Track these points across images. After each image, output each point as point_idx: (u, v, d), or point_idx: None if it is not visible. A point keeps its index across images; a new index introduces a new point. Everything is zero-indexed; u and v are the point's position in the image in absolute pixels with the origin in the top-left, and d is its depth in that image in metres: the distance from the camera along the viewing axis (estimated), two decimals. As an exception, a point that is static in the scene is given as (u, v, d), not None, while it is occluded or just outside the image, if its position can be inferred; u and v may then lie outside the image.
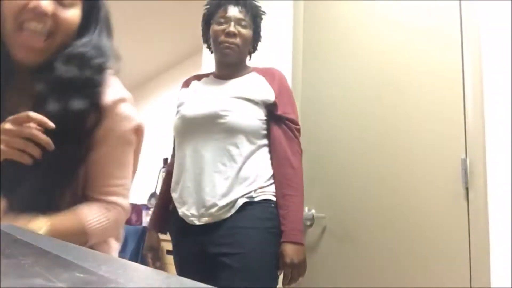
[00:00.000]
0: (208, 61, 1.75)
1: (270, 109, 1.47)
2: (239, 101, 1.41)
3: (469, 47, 1.49)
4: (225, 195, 1.34)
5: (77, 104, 0.77)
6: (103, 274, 0.30)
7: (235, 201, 1.34)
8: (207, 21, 1.55)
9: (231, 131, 1.38)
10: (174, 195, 1.46)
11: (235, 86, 1.48)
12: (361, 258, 1.72)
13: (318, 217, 1.91)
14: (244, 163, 1.38)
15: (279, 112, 1.46)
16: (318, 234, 1.91)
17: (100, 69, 0.83)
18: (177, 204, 1.45)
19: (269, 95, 1.46)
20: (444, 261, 1.47)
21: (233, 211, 1.34)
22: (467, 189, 1.44)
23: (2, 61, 0.77)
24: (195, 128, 1.42)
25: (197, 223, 1.37)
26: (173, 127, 1.52)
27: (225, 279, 1.31)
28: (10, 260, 0.36)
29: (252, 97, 1.43)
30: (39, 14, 0.74)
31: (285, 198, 1.39)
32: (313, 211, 1.93)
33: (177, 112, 1.52)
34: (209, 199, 1.34)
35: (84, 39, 0.83)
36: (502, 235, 1.33)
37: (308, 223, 1.94)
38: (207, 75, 1.63)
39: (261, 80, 1.50)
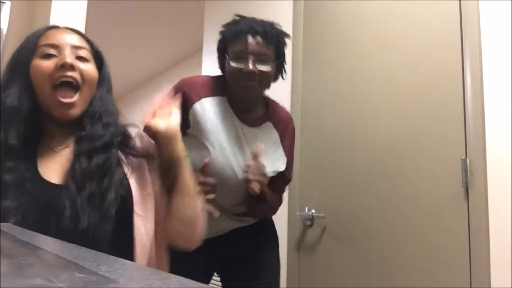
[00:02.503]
0: (207, 61, 1.74)
1: None
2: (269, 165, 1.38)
3: (469, 47, 1.49)
4: None
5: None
6: (103, 274, 0.30)
7: None
8: (223, 51, 1.39)
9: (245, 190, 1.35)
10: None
11: (257, 148, 1.35)
12: (361, 258, 1.72)
13: (318, 217, 1.91)
14: None
15: (288, 175, 1.49)
16: (318, 234, 1.91)
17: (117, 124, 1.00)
18: None
19: (282, 165, 1.45)
20: (444, 261, 1.47)
21: None
22: (467, 189, 1.44)
23: (44, 124, 0.93)
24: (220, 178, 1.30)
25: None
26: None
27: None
28: (10, 260, 0.36)
29: (271, 171, 1.39)
30: (67, 68, 0.89)
31: None
32: (313, 211, 1.93)
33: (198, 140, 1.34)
34: None
35: (102, 95, 0.99)
36: (502, 235, 1.33)
37: (308, 223, 1.94)
38: (219, 94, 1.40)
39: (276, 139, 1.45)
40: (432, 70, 1.59)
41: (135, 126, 1.04)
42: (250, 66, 1.29)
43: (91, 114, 0.95)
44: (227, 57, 1.35)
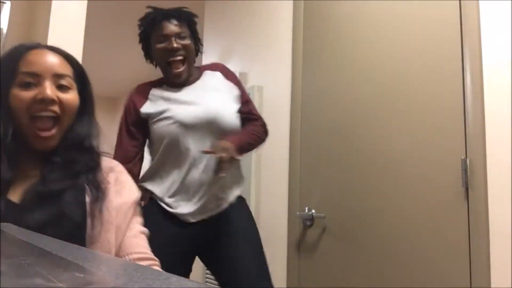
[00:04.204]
0: (207, 61, 1.75)
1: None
2: (224, 99, 1.56)
3: (469, 47, 1.49)
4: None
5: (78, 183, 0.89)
6: (103, 274, 0.30)
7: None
8: (146, 39, 1.61)
9: (224, 131, 1.53)
10: (168, 195, 1.52)
11: (208, 88, 1.59)
12: (361, 258, 1.72)
13: (318, 217, 1.91)
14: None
15: (245, 110, 1.62)
16: (318, 234, 1.91)
17: (92, 149, 0.96)
18: (172, 205, 1.52)
19: (235, 90, 1.62)
20: (444, 261, 1.47)
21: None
22: (467, 189, 1.44)
23: (20, 150, 0.89)
24: (193, 133, 1.51)
25: (193, 220, 1.51)
26: (165, 132, 1.52)
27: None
28: (10, 260, 0.36)
29: (231, 94, 1.58)
30: (47, 102, 0.85)
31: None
32: (313, 211, 1.93)
33: (161, 119, 1.52)
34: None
35: (82, 121, 0.95)
36: (502, 235, 1.33)
37: (308, 223, 1.94)
38: (159, 84, 1.63)
39: (219, 76, 1.64)
40: (432, 70, 1.59)
41: (110, 156, 1.01)
42: (173, 43, 1.52)
43: (68, 141, 0.91)
44: (152, 43, 1.58)
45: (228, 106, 1.56)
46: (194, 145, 1.51)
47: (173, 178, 1.52)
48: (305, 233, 1.98)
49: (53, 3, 2.19)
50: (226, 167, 1.40)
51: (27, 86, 0.86)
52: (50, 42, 2.17)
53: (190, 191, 1.50)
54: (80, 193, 0.88)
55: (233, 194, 1.58)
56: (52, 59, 0.90)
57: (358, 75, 1.85)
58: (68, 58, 0.94)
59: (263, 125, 1.66)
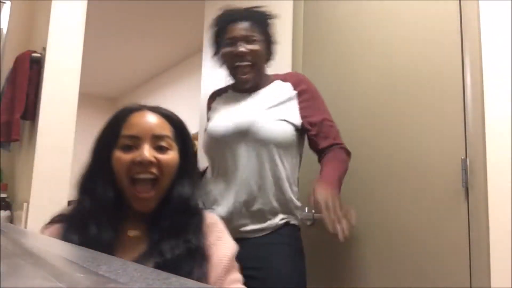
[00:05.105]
0: (207, 61, 1.75)
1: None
2: (270, 110, 1.44)
3: (469, 47, 1.49)
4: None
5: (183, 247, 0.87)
6: (103, 274, 0.30)
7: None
8: (215, 42, 1.53)
9: (264, 143, 1.41)
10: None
11: (267, 98, 1.48)
12: (361, 258, 1.72)
13: (318, 217, 1.90)
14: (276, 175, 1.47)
15: (313, 131, 1.51)
16: (318, 234, 1.91)
17: (197, 210, 0.95)
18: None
19: (295, 103, 1.49)
20: (444, 261, 1.47)
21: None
22: (467, 189, 1.44)
23: (123, 211, 0.91)
24: (227, 145, 1.41)
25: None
26: (209, 143, 1.46)
27: None
28: (10, 260, 0.36)
29: (288, 106, 1.47)
30: (145, 164, 0.87)
31: None
32: (313, 211, 1.93)
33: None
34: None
35: (183, 181, 0.94)
36: (502, 235, 1.33)
37: (308, 223, 1.94)
38: (225, 90, 1.59)
39: (288, 89, 1.51)
40: (432, 70, 1.59)
41: (211, 211, 1.00)
42: (240, 48, 1.42)
43: (171, 203, 0.91)
44: (220, 46, 1.49)
45: (268, 116, 1.41)
46: (229, 159, 1.41)
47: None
48: (305, 233, 1.98)
49: (53, 3, 2.20)
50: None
51: (127, 148, 0.89)
52: (50, 42, 2.18)
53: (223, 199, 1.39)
54: (191, 260, 0.86)
55: (272, 220, 1.45)
56: (152, 120, 0.92)
57: (357, 74, 1.85)
58: (168, 117, 0.94)
59: (345, 149, 1.56)
